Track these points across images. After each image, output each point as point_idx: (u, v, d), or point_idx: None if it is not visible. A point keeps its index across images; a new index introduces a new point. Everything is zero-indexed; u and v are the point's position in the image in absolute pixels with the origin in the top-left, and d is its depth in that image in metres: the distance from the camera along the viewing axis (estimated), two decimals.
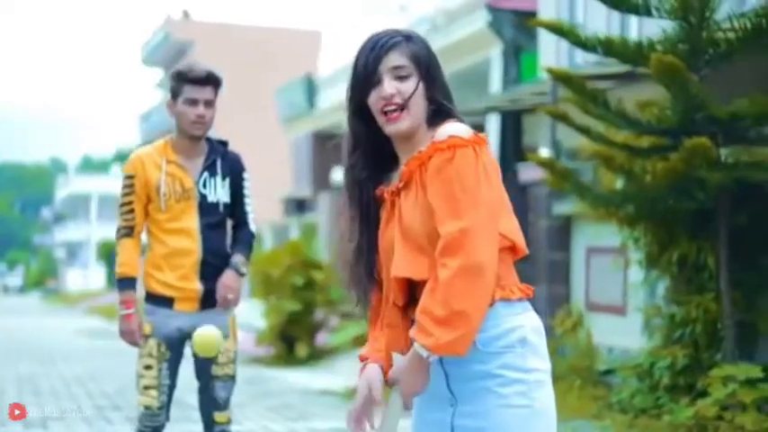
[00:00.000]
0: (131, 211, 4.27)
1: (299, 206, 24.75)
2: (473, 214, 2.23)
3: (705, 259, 6.95)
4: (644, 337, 7.72)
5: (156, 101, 44.20)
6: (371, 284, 2.47)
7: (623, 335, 9.15)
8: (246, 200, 4.39)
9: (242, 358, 5.57)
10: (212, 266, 4.25)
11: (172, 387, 4.27)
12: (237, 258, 4.31)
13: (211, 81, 4.25)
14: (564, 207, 10.20)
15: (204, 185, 4.27)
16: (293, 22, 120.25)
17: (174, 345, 4.26)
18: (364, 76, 2.38)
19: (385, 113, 2.37)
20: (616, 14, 9.54)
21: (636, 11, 6.75)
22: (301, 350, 13.11)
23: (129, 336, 4.25)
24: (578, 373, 8.48)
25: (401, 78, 2.36)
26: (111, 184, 52.57)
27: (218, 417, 4.30)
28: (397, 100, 2.35)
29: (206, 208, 4.26)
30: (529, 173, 11.03)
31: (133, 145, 49.63)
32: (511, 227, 2.36)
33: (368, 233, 2.46)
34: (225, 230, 4.37)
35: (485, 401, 2.29)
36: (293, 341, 13.28)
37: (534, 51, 12.59)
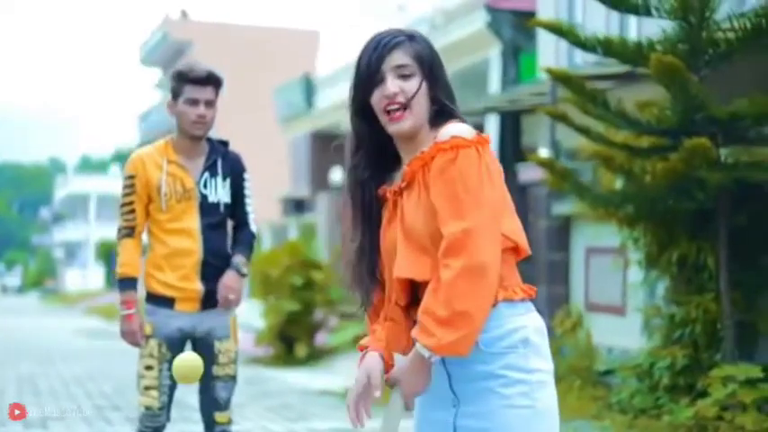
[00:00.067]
0: (132, 211, 4.26)
1: (297, 206, 24.74)
2: (476, 215, 2.22)
3: (705, 259, 6.94)
4: (644, 337, 7.72)
5: (155, 101, 44.16)
6: (373, 284, 2.46)
7: (623, 335, 9.14)
8: (247, 200, 4.39)
9: (241, 358, 5.58)
10: (213, 267, 4.25)
11: (172, 387, 4.26)
12: (238, 259, 4.31)
13: (212, 81, 4.25)
14: (563, 207, 10.19)
15: (205, 186, 4.27)
16: (291, 22, 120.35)
17: (175, 345, 4.25)
18: (367, 75, 2.37)
19: (388, 112, 2.36)
20: (615, 14, 9.53)
21: (635, 11, 6.75)
22: (300, 350, 13.10)
23: (130, 336, 4.25)
24: (578, 374, 8.47)
25: (404, 77, 2.35)
26: (110, 184, 52.62)
27: (219, 417, 4.30)
28: (401, 99, 2.35)
29: (207, 208, 4.26)
30: (528, 173, 11.02)
31: (132, 145, 49.62)
32: (513, 227, 2.35)
33: (370, 233, 2.45)
34: (226, 231, 4.37)
35: (488, 402, 2.29)
36: (292, 341, 13.27)
37: (533, 52, 12.59)
